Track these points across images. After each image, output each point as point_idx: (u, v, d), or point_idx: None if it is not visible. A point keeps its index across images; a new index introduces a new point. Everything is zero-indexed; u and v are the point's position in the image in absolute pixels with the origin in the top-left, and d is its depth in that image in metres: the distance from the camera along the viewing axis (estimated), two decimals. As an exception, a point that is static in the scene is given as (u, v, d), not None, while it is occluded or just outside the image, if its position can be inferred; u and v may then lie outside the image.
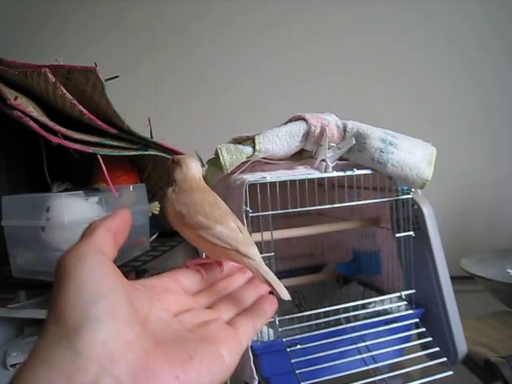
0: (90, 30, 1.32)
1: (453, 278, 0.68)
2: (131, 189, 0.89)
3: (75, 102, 0.77)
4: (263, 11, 1.25)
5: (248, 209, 0.58)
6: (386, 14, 1.19)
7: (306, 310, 0.64)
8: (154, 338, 0.28)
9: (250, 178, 0.59)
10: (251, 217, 0.59)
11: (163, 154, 0.90)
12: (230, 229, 0.39)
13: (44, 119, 0.75)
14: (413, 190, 0.66)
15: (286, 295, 0.38)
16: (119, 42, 1.30)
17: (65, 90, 0.75)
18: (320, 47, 1.23)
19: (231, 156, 0.59)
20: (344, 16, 1.21)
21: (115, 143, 0.84)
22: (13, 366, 0.82)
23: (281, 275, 0.81)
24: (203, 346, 0.30)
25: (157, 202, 0.95)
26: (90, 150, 0.80)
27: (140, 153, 0.87)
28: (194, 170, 0.43)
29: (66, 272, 0.27)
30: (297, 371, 0.56)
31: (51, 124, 0.76)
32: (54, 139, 0.75)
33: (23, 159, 0.94)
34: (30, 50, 1.28)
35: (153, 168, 0.97)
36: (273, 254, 0.60)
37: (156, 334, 0.29)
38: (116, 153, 0.84)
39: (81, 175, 0.97)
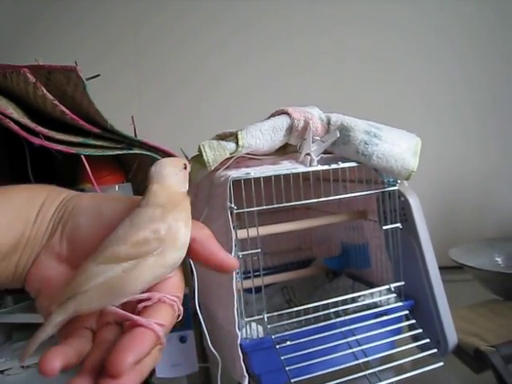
0: (73, 31, 1.30)
1: (442, 268, 0.68)
2: (117, 188, 0.88)
3: (56, 102, 0.76)
4: (248, 8, 1.24)
5: (232, 205, 0.57)
6: (375, 7, 1.18)
7: (297, 306, 0.64)
8: None
9: (234, 174, 0.58)
10: (236, 213, 0.58)
11: (148, 153, 0.89)
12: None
13: (25, 120, 0.74)
14: (399, 181, 0.65)
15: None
16: (102, 41, 1.29)
17: (45, 91, 0.74)
18: (305, 41, 1.22)
19: (214, 152, 0.58)
20: (332, 9, 1.20)
21: (99, 143, 0.82)
22: (1, 372, 0.81)
23: (270, 271, 0.82)
24: None
25: (144, 201, 0.94)
26: (73, 150, 0.78)
27: (124, 152, 0.86)
28: (151, 177, 0.35)
29: None
30: (287, 368, 0.56)
31: (33, 125, 0.74)
32: (36, 140, 0.74)
33: (6, 161, 0.93)
34: (15, 53, 1.27)
35: (139, 167, 0.95)
36: (259, 250, 0.59)
37: None
38: (100, 152, 0.83)
39: (66, 176, 0.96)
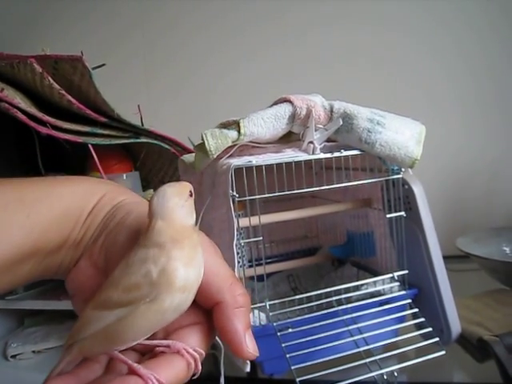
0: (82, 22, 1.32)
1: (449, 258, 0.67)
2: (125, 177, 0.89)
3: (63, 91, 0.77)
4: (257, 2, 1.23)
5: (234, 193, 0.57)
6: (378, 4, 1.17)
7: (302, 293, 0.64)
8: None
9: (236, 162, 0.58)
10: (241, 201, 0.58)
11: (155, 141, 0.89)
12: None
13: (32, 110, 0.75)
14: (403, 169, 0.65)
15: None
16: (111, 32, 1.30)
17: (52, 80, 0.75)
18: (314, 37, 1.21)
19: (216, 141, 0.58)
20: (339, 5, 1.19)
21: (106, 132, 0.83)
22: (13, 356, 0.83)
23: (276, 259, 0.83)
24: None
25: (151, 190, 0.95)
26: (81, 139, 0.79)
27: (131, 141, 0.87)
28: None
29: None
30: (287, 355, 0.56)
31: (40, 115, 0.75)
32: (43, 130, 0.75)
33: (15, 149, 0.94)
34: (24, 44, 1.28)
35: (146, 155, 0.96)
36: (261, 238, 0.59)
37: None
38: (107, 142, 0.84)
39: (75, 165, 0.97)
